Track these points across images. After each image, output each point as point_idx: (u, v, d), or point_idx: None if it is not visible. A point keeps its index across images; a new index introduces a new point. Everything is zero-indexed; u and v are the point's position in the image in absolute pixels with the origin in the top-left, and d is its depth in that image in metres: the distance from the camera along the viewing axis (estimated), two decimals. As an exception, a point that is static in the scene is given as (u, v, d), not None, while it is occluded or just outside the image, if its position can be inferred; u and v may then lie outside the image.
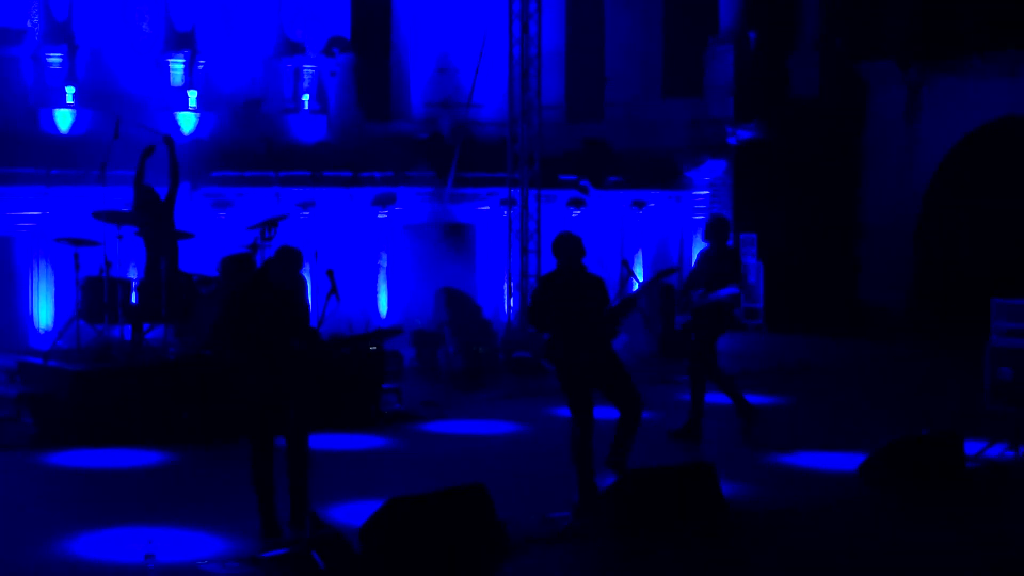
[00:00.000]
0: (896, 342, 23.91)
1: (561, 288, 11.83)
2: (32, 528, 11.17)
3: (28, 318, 19.01)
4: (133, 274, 16.44)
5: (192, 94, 21.24)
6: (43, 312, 19.03)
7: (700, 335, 15.06)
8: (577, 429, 11.73)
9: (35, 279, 19.07)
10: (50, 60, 20.16)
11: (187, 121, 21.15)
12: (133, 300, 15.64)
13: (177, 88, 21.32)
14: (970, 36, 25.60)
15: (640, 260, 25.16)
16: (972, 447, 13.52)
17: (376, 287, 22.30)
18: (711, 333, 15.03)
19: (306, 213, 21.15)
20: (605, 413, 11.93)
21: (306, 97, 22.57)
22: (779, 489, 12.59)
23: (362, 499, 11.62)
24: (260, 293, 10.60)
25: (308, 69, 22.70)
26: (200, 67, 21.52)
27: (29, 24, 20.22)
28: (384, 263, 22.34)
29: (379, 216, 22.37)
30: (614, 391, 11.90)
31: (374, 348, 15.58)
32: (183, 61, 21.34)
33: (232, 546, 10.38)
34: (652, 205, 25.72)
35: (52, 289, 19.01)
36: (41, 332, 18.76)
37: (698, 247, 26.19)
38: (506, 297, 22.28)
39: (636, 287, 12.55)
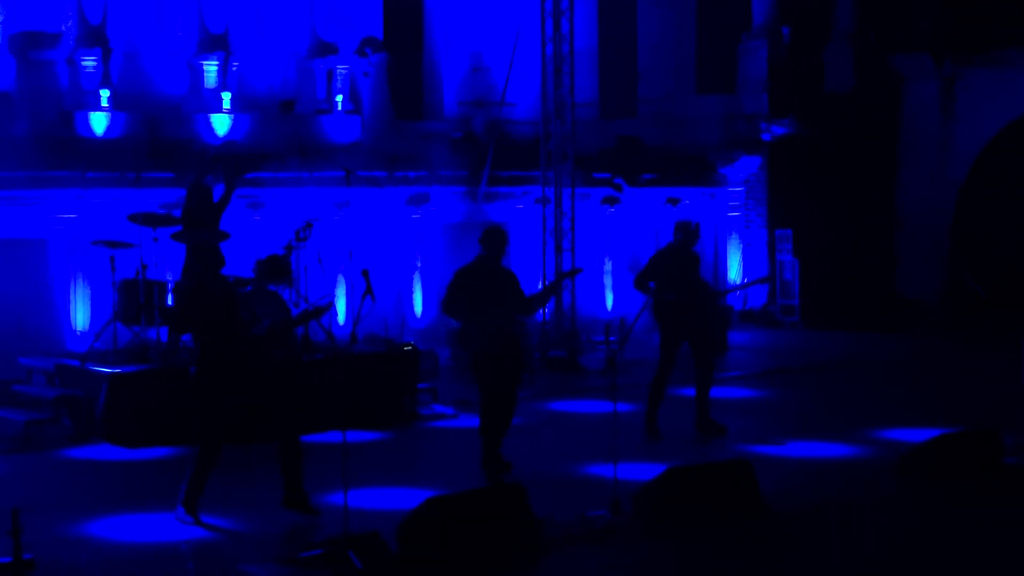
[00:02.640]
0: (934, 336, 23.79)
1: (478, 279, 12.65)
2: (66, 514, 11.33)
3: (65, 320, 19.09)
4: (169, 276, 16.49)
5: (226, 96, 21.28)
6: (80, 314, 19.12)
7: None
8: (485, 409, 12.79)
9: (72, 282, 19.16)
10: (85, 63, 20.23)
11: (221, 123, 21.19)
12: (169, 302, 15.70)
13: (211, 90, 21.37)
14: (1005, 28, 25.41)
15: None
16: (1011, 441, 13.43)
17: (411, 287, 22.31)
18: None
19: (341, 214, 21.18)
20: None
21: (339, 97, 22.59)
22: (815, 485, 12.54)
23: (396, 493, 11.67)
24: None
25: (341, 69, 22.72)
26: (234, 69, 21.55)
27: (64, 28, 20.28)
28: (419, 263, 22.35)
29: (413, 216, 22.39)
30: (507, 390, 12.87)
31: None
32: (217, 63, 21.38)
33: (260, 541, 10.43)
34: (686, 202, 25.65)
35: (89, 292, 19.09)
36: (78, 334, 18.84)
37: (733, 243, 26.16)
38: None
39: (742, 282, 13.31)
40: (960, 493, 12.08)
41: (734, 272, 26.26)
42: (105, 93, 20.18)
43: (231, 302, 11.26)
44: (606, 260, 24.25)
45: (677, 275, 14.70)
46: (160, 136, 20.38)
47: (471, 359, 12.88)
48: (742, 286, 19.13)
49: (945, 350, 22.33)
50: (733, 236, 26.45)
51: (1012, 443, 13.44)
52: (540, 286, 20.23)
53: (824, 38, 27.02)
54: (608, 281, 24.38)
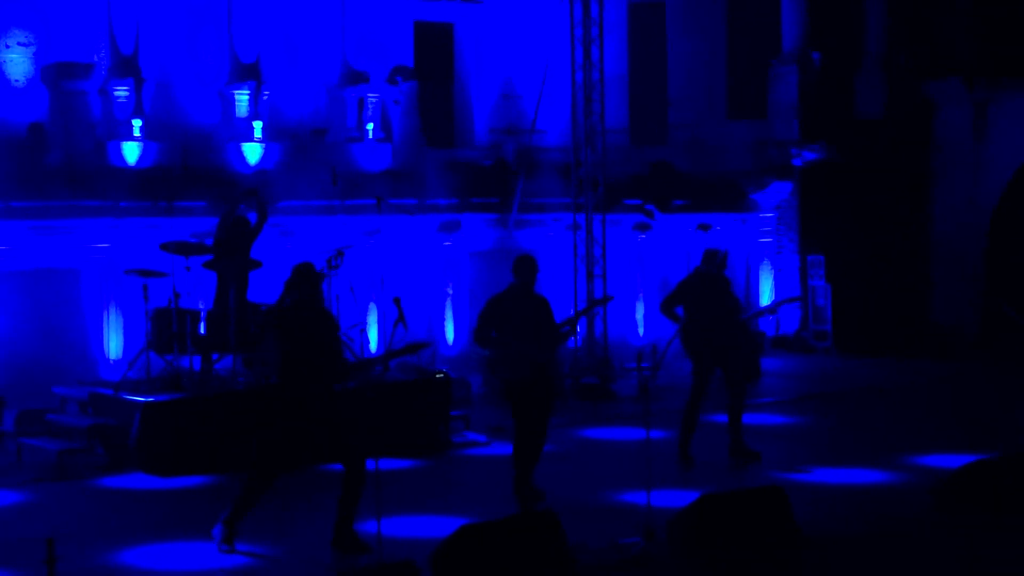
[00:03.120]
0: (968, 362, 23.65)
1: (510, 307, 12.64)
2: (100, 543, 11.38)
3: (99, 349, 19.16)
4: (201, 305, 16.54)
5: (257, 125, 21.36)
6: (113, 343, 19.18)
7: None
8: (518, 438, 12.75)
9: (105, 311, 19.22)
10: (117, 93, 20.34)
11: (252, 152, 21.28)
12: (202, 330, 15.73)
13: (242, 119, 21.45)
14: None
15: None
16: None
17: (443, 314, 22.31)
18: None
19: (372, 241, 21.21)
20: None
21: (370, 126, 22.65)
22: (850, 512, 12.46)
23: (430, 521, 11.65)
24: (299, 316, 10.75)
25: (372, 98, 22.78)
26: (265, 98, 21.64)
27: (96, 58, 20.40)
28: (451, 290, 22.36)
29: (444, 243, 22.40)
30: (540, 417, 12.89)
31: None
32: (248, 92, 21.47)
33: (296, 569, 10.42)
34: (718, 228, 25.59)
35: (122, 320, 19.16)
36: (111, 363, 18.89)
37: (765, 268, 26.09)
38: (573, 323, 22.18)
39: None
40: (997, 520, 11.99)
41: (766, 298, 26.18)
42: (137, 123, 20.28)
43: (333, 323, 11.13)
44: (638, 286, 24.21)
45: (705, 301, 14.66)
46: (192, 165, 20.46)
47: (502, 387, 12.88)
48: (772, 307, 19.08)
49: (980, 376, 22.20)
50: (765, 262, 26.38)
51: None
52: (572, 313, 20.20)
53: (855, 63, 26.98)
54: (640, 308, 24.33)
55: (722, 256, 15.07)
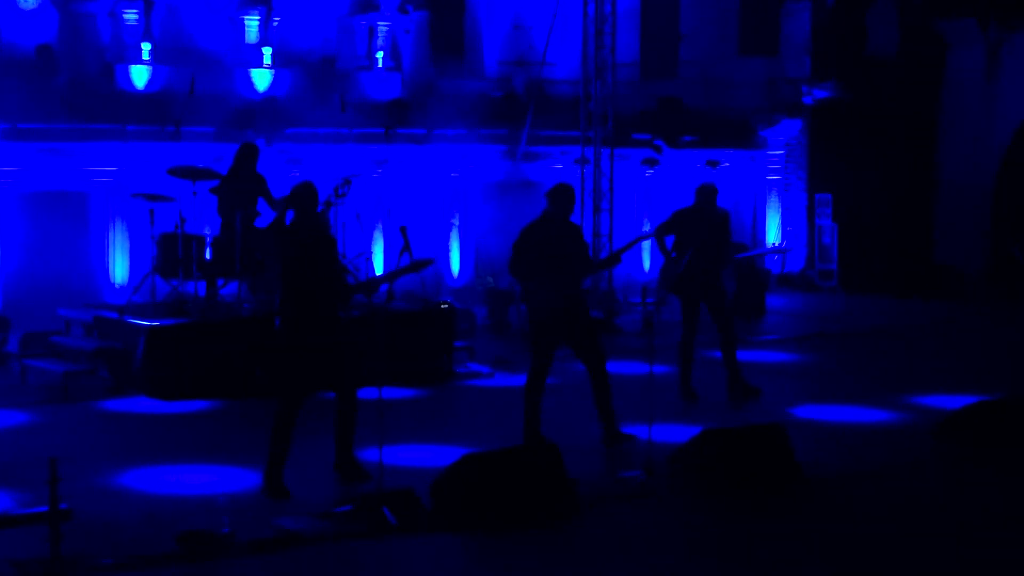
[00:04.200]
0: (974, 304, 23.66)
1: (545, 237, 12.25)
2: (103, 465, 11.45)
3: (104, 273, 19.18)
4: (207, 230, 16.53)
5: (267, 51, 21.28)
6: (119, 267, 19.20)
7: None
8: (534, 373, 12.37)
9: (111, 234, 19.23)
10: (126, 16, 20.25)
11: (262, 78, 21.20)
12: (207, 256, 15.73)
13: (252, 45, 21.37)
14: (1052, -6, 25.19)
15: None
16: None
17: (448, 245, 22.30)
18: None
19: (380, 171, 21.17)
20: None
21: (380, 55, 22.55)
22: (851, 450, 12.50)
23: (431, 450, 11.71)
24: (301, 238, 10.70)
25: (382, 26, 22.67)
26: (275, 24, 21.53)
27: (106, -20, 20.33)
28: (457, 221, 22.33)
29: (452, 174, 22.36)
30: (582, 347, 12.51)
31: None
32: (258, 18, 21.37)
33: (296, 495, 10.47)
34: (726, 164, 25.54)
35: (128, 245, 19.17)
36: (117, 287, 18.93)
37: (773, 206, 26.04)
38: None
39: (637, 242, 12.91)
40: (998, 459, 12.02)
41: (772, 235, 26.16)
42: (146, 46, 20.21)
43: (333, 245, 11.04)
44: (645, 221, 24.18)
45: (697, 237, 14.42)
46: (200, 90, 20.42)
47: (530, 317, 12.52)
48: (760, 252, 18.97)
49: (984, 318, 22.21)
50: (772, 199, 26.32)
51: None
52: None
53: (868, 2, 26.80)
54: (646, 243, 24.30)
55: (711, 190, 14.93)
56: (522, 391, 12.50)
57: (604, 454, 12.23)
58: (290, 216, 10.93)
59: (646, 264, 24.25)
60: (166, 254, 15.73)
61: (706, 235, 14.52)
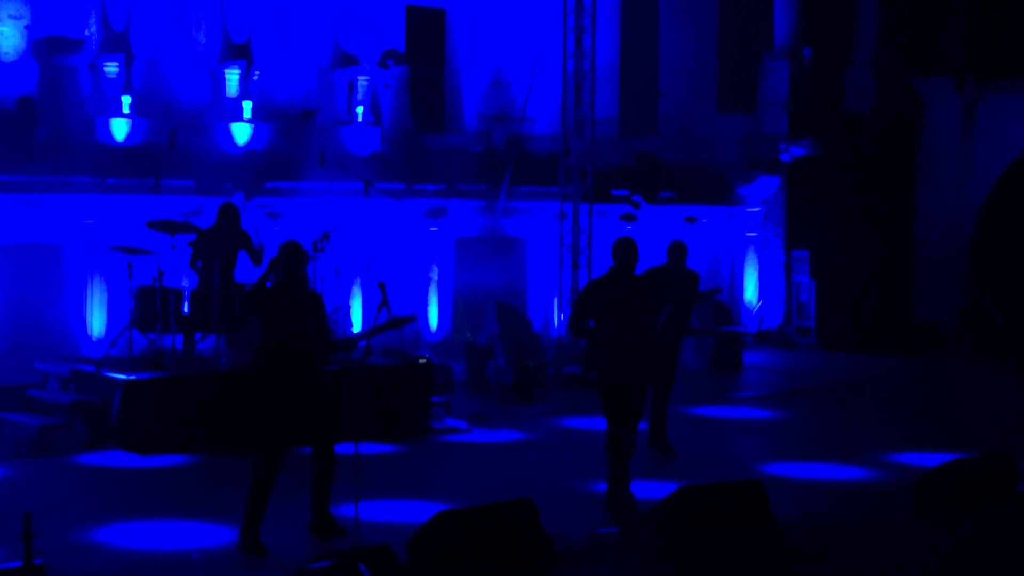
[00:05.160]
0: (950, 360, 23.73)
1: (610, 293, 11.95)
2: (78, 520, 11.40)
3: (81, 326, 19.14)
4: (186, 284, 16.51)
5: (247, 104, 21.32)
6: (96, 320, 19.16)
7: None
8: (612, 435, 12.07)
9: (89, 287, 19.20)
10: (107, 69, 20.29)
11: (241, 132, 21.24)
12: (185, 310, 15.72)
13: (232, 99, 21.40)
14: (1026, 53, 25.43)
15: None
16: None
17: (427, 299, 22.31)
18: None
19: (358, 225, 21.19)
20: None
21: (360, 109, 22.62)
22: (828, 507, 12.50)
23: (408, 506, 11.67)
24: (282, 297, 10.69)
25: (362, 81, 22.75)
26: (255, 78, 21.59)
27: (87, 33, 20.34)
28: (435, 276, 22.35)
29: (431, 229, 22.39)
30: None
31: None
32: (238, 71, 21.42)
33: (271, 551, 10.43)
34: (704, 221, 25.64)
35: (105, 297, 19.13)
36: (94, 340, 18.88)
37: (751, 263, 26.11)
38: (556, 311, 22.23)
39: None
40: (973, 518, 12.03)
41: (750, 292, 26.23)
42: (127, 99, 20.24)
43: (319, 303, 10.99)
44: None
45: (671, 296, 13.85)
46: (180, 143, 20.45)
47: (598, 378, 12.14)
48: (717, 331, 18.83)
49: (961, 374, 22.27)
50: (750, 255, 26.41)
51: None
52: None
53: (845, 60, 27.01)
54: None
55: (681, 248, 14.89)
56: (498, 448, 12.48)
57: (581, 510, 12.20)
58: (275, 273, 10.91)
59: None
60: (144, 307, 15.70)
61: (677, 296, 14.39)
